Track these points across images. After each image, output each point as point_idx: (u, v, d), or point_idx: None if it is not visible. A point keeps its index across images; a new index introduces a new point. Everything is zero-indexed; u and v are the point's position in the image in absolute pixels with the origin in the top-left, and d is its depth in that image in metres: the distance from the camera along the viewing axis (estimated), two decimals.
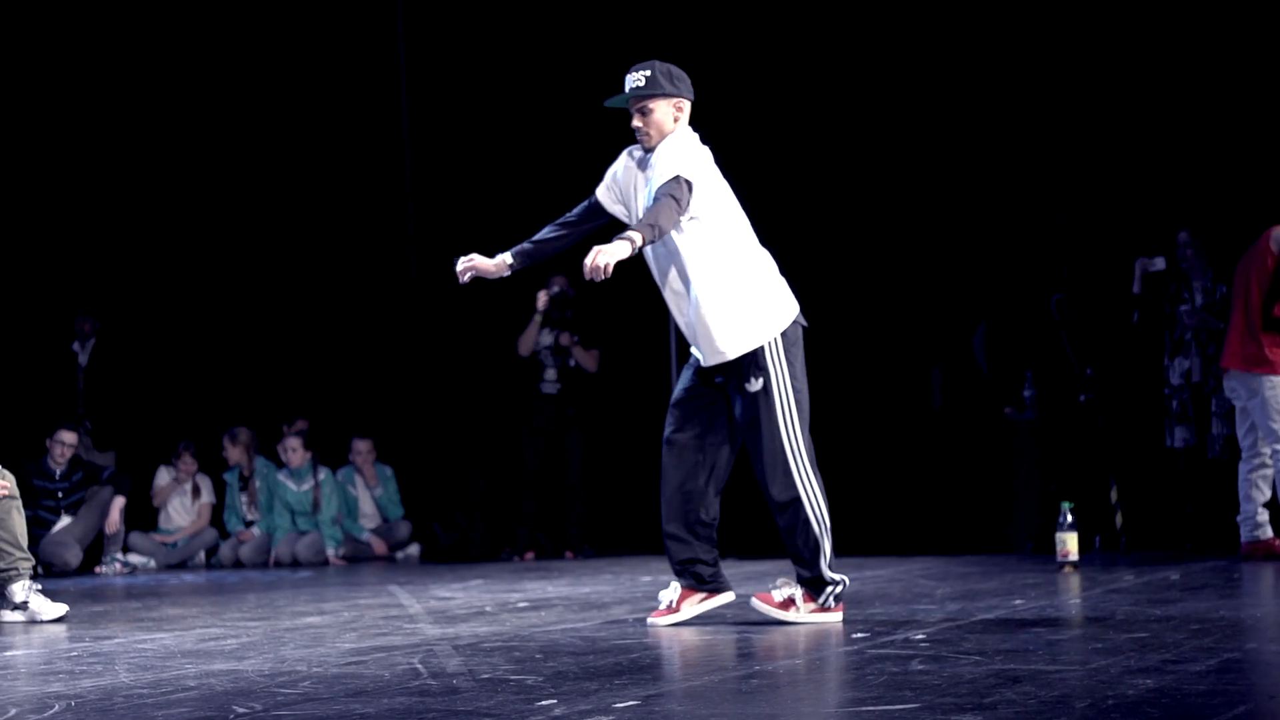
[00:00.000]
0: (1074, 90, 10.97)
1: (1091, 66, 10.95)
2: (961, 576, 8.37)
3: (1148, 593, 6.99)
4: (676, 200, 5.79)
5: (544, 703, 4.19)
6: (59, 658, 5.75)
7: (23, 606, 7.44)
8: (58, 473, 11.88)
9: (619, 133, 6.40)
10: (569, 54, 12.03)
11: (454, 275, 6.20)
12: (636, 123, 6.11)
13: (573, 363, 11.89)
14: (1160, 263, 10.35)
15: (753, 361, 6.04)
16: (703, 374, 6.18)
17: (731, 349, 6.04)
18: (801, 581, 6.11)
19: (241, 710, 4.21)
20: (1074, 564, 8.67)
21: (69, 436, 11.92)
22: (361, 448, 13.05)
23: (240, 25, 13.60)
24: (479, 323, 12.37)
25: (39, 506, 11.65)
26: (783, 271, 6.22)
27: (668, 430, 6.21)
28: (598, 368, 11.96)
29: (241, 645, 5.92)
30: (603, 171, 6.31)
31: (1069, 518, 8.75)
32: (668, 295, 6.14)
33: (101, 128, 13.39)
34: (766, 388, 6.04)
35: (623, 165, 6.24)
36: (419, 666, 5.04)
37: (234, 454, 12.88)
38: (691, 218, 5.97)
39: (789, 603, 6.10)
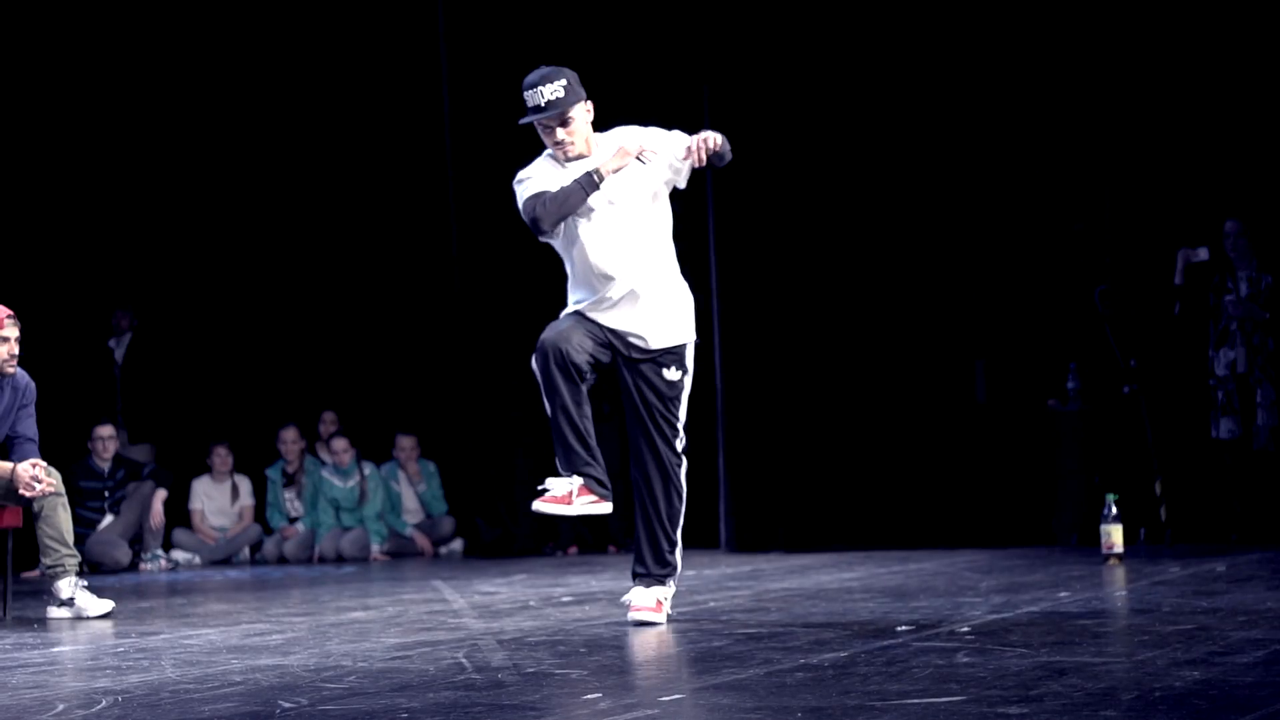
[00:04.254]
0: (1117, 82, 10.92)
1: (1134, 57, 10.89)
2: (1006, 569, 8.35)
3: (1193, 585, 6.96)
4: None
5: (589, 696, 4.19)
6: (105, 653, 5.78)
7: (69, 603, 7.48)
8: (105, 470, 11.96)
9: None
10: (608, 49, 12.01)
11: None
12: (560, 135, 5.98)
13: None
14: (1203, 253, 10.30)
15: (682, 353, 6.15)
16: (605, 333, 6.09)
17: (677, 335, 6.13)
18: (659, 573, 6.13)
19: (287, 705, 4.22)
20: (1119, 556, 8.64)
21: (106, 430, 12.02)
22: (405, 444, 13.08)
23: (281, 19, 13.62)
24: (521, 318, 12.37)
25: (85, 507, 11.71)
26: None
27: (581, 356, 5.93)
28: None
29: (287, 640, 5.94)
30: None
31: (1114, 510, 8.71)
32: (629, 264, 6.03)
33: (139, 123, 13.39)
34: (681, 381, 6.15)
35: (549, 172, 6.05)
36: (464, 661, 5.05)
37: (292, 450, 12.89)
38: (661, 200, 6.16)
39: (659, 604, 6.13)
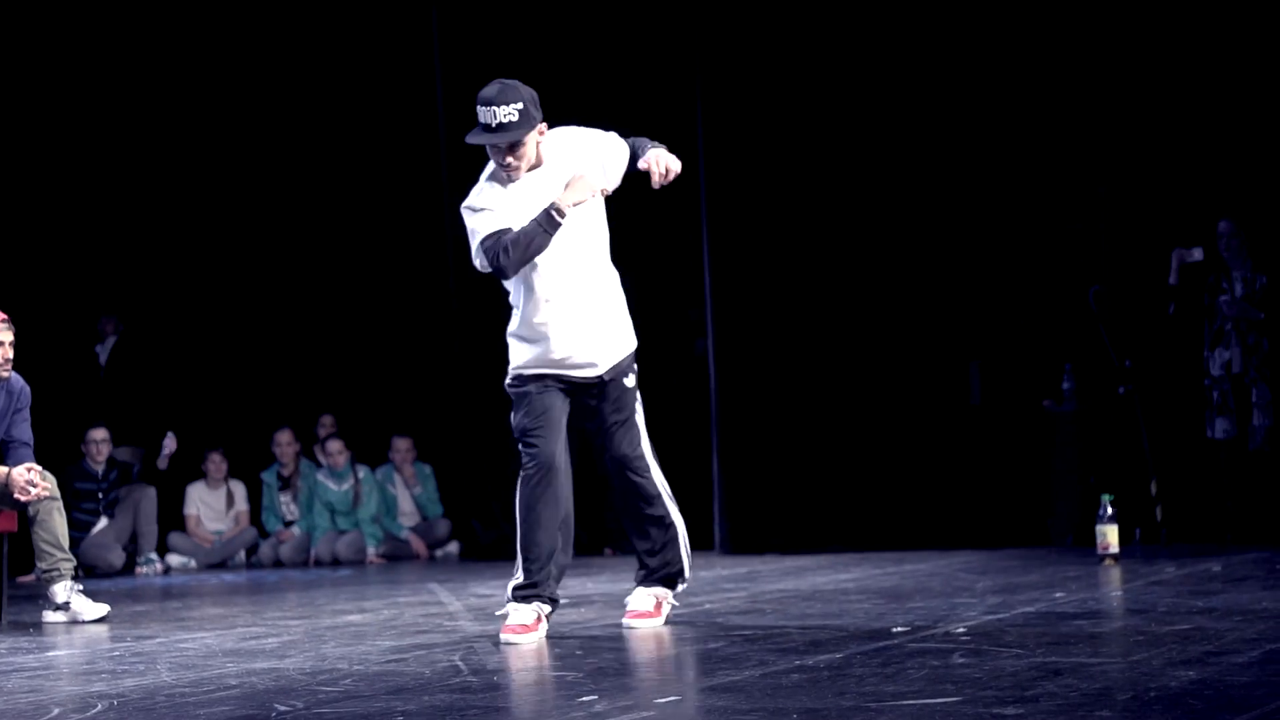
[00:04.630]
0: (1112, 82, 10.92)
1: (1129, 57, 10.89)
2: (1002, 570, 8.35)
3: (1189, 585, 6.96)
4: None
5: (585, 699, 4.19)
6: (101, 657, 5.78)
7: (65, 607, 7.48)
8: (100, 472, 11.97)
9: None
10: (600, 39, 12.00)
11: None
12: (508, 160, 5.76)
13: None
14: (1198, 253, 10.30)
15: (633, 358, 6.05)
16: (565, 389, 5.94)
17: (627, 346, 6.01)
18: (663, 575, 6.09)
19: (283, 708, 4.22)
20: (1114, 556, 8.63)
21: (99, 434, 12.02)
22: (401, 446, 13.07)
23: (274, 26, 13.61)
24: None
25: (79, 509, 11.71)
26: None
27: (557, 456, 5.90)
28: None
29: (282, 644, 5.94)
30: None
31: (1109, 510, 8.71)
32: (581, 286, 5.85)
33: (126, 129, 13.35)
34: (636, 385, 6.06)
35: (501, 199, 5.81)
36: (459, 664, 5.05)
37: (287, 453, 12.87)
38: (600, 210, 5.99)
39: (658, 605, 6.09)
